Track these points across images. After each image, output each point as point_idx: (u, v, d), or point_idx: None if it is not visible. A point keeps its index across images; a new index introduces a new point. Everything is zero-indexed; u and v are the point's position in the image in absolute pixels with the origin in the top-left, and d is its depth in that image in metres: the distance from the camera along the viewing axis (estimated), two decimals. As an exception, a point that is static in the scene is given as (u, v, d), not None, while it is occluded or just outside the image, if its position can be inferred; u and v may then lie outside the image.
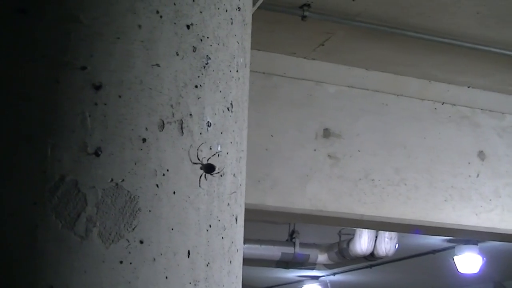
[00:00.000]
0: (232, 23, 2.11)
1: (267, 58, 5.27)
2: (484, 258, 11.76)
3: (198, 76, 1.98)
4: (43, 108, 1.86)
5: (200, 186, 1.95)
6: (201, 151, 1.96)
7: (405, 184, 5.46)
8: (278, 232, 11.30)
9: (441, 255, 12.80)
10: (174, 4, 1.97)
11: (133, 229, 1.83)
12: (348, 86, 5.49)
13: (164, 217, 1.87)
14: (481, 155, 5.77)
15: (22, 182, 1.83)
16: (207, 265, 1.95)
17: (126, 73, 1.88)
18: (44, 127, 1.85)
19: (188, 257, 1.90)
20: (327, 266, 12.23)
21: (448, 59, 5.36)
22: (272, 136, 5.16)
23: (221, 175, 2.02)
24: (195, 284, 1.91)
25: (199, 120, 1.97)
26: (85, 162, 1.83)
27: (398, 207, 5.41)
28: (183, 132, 1.93)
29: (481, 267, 11.91)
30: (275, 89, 5.27)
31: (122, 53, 1.88)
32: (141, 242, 1.84)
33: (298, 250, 11.23)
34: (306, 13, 4.59)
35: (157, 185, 1.87)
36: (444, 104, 5.75)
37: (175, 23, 1.96)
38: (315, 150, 5.25)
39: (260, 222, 10.38)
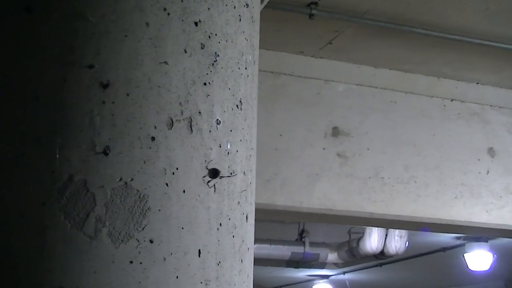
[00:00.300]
0: (240, 20, 2.09)
1: (275, 57, 5.26)
2: (495, 255, 11.74)
3: (207, 74, 1.96)
4: (50, 107, 1.84)
5: (209, 184, 1.93)
6: (210, 149, 1.94)
7: (415, 182, 5.44)
8: (288, 231, 11.29)
9: (452, 252, 12.78)
10: (182, 1, 1.95)
11: (143, 228, 1.81)
12: (357, 84, 5.48)
13: (174, 216, 1.85)
14: (491, 151, 5.75)
15: (30, 183, 1.82)
16: (218, 264, 1.93)
17: (134, 71, 1.86)
18: (52, 126, 1.83)
19: (199, 256, 1.88)
20: (337, 265, 12.22)
21: (456, 55, 5.34)
22: (281, 135, 5.15)
23: (230, 174, 2.00)
24: (206, 284, 1.89)
25: (208, 118, 1.95)
26: (94, 161, 1.81)
27: (408, 204, 5.39)
28: (192, 130, 1.91)
29: (491, 264, 11.89)
30: (283, 88, 5.26)
31: (129, 51, 1.87)
32: (151, 241, 1.82)
33: (308, 249, 11.21)
34: (314, 11, 4.57)
35: (166, 184, 1.85)
36: (453, 101, 5.73)
37: (182, 20, 1.94)
38: (324, 149, 5.24)
39: (269, 221, 10.37)
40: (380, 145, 5.38)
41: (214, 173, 1.94)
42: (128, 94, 1.85)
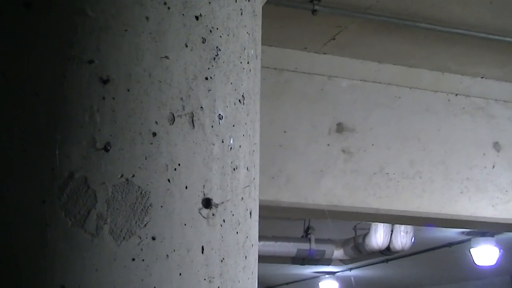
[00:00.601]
0: (242, 14, 2.07)
1: (278, 53, 5.25)
2: (501, 250, 11.73)
3: (208, 68, 1.94)
4: (50, 104, 1.82)
5: (212, 180, 1.91)
6: (213, 144, 1.91)
7: (420, 177, 5.43)
8: (294, 228, 11.29)
9: (458, 248, 12.78)
10: (182, -5, 1.93)
11: (145, 225, 1.79)
12: (361, 80, 5.47)
13: (177, 213, 1.83)
14: (497, 146, 5.73)
15: (30, 180, 1.80)
16: (221, 260, 1.90)
17: (135, 66, 1.84)
18: (51, 122, 1.81)
19: (202, 253, 1.86)
20: (343, 262, 12.22)
21: (461, 50, 5.32)
22: (285, 132, 5.15)
23: (235, 170, 1.98)
24: (210, 281, 1.87)
25: (210, 113, 1.93)
26: (94, 158, 1.79)
27: (414, 200, 5.38)
28: (194, 126, 1.89)
29: (498, 259, 11.88)
30: (287, 84, 5.25)
31: (130, 45, 1.84)
32: (153, 238, 1.80)
33: (314, 246, 11.21)
34: (316, 7, 4.56)
35: (168, 180, 1.83)
36: (457, 95, 5.71)
37: (183, 14, 1.92)
38: (328, 145, 5.23)
39: (275, 218, 10.37)
40: (385, 141, 5.37)
41: (207, 203, 1.92)
42: (128, 90, 1.83)
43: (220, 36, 1.99)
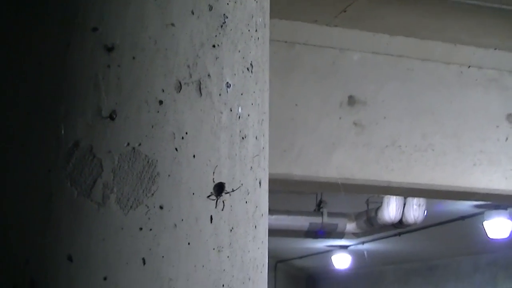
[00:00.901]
0: (249, -19, 2.04)
1: (288, 26, 5.20)
2: (514, 223, 11.71)
3: (216, 36, 1.91)
4: (54, 72, 1.80)
5: (220, 149, 1.89)
6: (221, 113, 1.89)
7: (433, 150, 5.39)
8: (306, 202, 11.29)
9: (470, 221, 12.77)
10: (188, -39, 1.90)
11: (152, 194, 1.77)
12: (372, 53, 5.42)
13: (184, 182, 1.81)
14: (510, 118, 5.68)
15: (35, 150, 1.78)
16: (230, 230, 1.89)
17: (140, 33, 1.82)
18: (56, 91, 1.80)
19: (211, 222, 1.84)
20: (355, 235, 12.23)
21: (473, 21, 5.26)
22: (296, 105, 5.11)
23: (244, 139, 1.96)
24: (219, 250, 1.85)
25: (218, 81, 1.90)
26: (100, 126, 1.77)
27: (426, 173, 5.35)
28: (201, 94, 1.87)
29: (511, 232, 11.86)
30: (298, 58, 5.21)
31: (135, 13, 1.82)
32: (161, 207, 1.78)
33: (326, 219, 11.22)
34: (327, -22, 4.51)
35: (176, 149, 1.81)
36: (470, 67, 5.65)
37: (189, -19, 1.89)
38: (340, 118, 5.19)
39: (287, 193, 10.37)
40: (397, 114, 5.33)
41: (219, 189, 1.89)
42: (134, 58, 1.81)
43: (227, 4, 1.96)
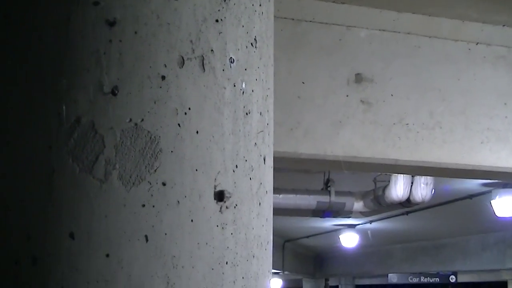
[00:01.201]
0: (253, -46, 2.01)
1: (295, 3, 5.17)
2: (523, 202, 11.70)
3: (219, 10, 1.89)
4: (55, 48, 1.78)
5: (224, 124, 1.86)
6: (224, 88, 1.87)
7: (440, 128, 5.36)
8: (313, 181, 11.29)
9: (478, 199, 12.76)
10: None
11: (155, 170, 1.76)
12: (379, 30, 5.38)
13: (188, 158, 1.79)
14: (518, 95, 5.65)
15: (36, 126, 1.76)
16: (234, 207, 1.87)
17: (142, 8, 1.79)
18: (57, 67, 1.77)
19: (214, 199, 1.83)
20: (363, 214, 12.23)
21: (482, -3, 5.22)
22: (303, 83, 5.08)
23: (248, 115, 1.93)
24: (222, 227, 1.84)
25: (221, 56, 1.88)
26: (102, 102, 1.75)
27: (434, 151, 5.32)
28: (204, 69, 1.84)
29: (519, 210, 11.85)
30: (304, 35, 5.18)
31: (136, -14, 1.80)
32: (164, 184, 1.76)
33: (334, 198, 11.22)
34: (334, -46, 4.47)
35: (178, 125, 1.79)
36: (478, 44, 5.61)
37: (192, -46, 1.86)
38: (347, 96, 5.16)
39: (295, 171, 10.36)
40: (404, 91, 5.30)
41: (220, 196, 1.87)
42: (136, 32, 1.79)
43: (231, -22, 1.93)
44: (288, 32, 5.09)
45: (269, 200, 2.03)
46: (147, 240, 1.73)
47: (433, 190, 10.55)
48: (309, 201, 11.20)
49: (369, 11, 5.35)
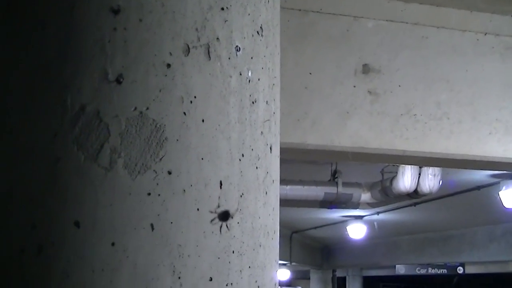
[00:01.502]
0: None
1: (302, -6, 5.16)
2: (531, 193, 11.68)
3: (224, -2, 1.88)
4: (59, 35, 1.77)
5: (230, 113, 1.85)
6: (230, 77, 1.85)
7: (448, 118, 5.34)
8: (321, 172, 11.29)
9: (486, 190, 12.75)
10: None
11: (160, 159, 1.75)
12: (387, 20, 5.36)
13: (193, 147, 1.78)
14: (527, 86, 5.62)
15: (40, 114, 1.76)
16: (241, 196, 1.86)
17: (147, -5, 1.79)
18: (61, 55, 1.76)
19: (220, 188, 1.82)
20: (370, 205, 12.22)
21: (490, -13, 5.20)
22: (310, 74, 5.07)
23: (254, 104, 1.93)
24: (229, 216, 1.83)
25: (227, 44, 1.86)
26: (106, 90, 1.74)
27: (441, 141, 5.31)
28: (210, 57, 1.83)
29: (527, 202, 11.84)
30: (312, 26, 5.16)
31: (141, -26, 1.79)
32: (169, 173, 1.75)
33: (341, 189, 11.22)
34: None
35: (184, 113, 1.78)
36: (486, 35, 5.59)
37: None
38: (354, 86, 5.15)
39: (302, 163, 10.36)
40: (412, 82, 5.28)
41: (224, 216, 1.86)
42: (141, 20, 1.78)
43: (237, -35, 1.92)
44: (295, 23, 5.07)
45: (275, 189, 2.02)
46: (152, 229, 1.73)
47: (440, 181, 10.54)
48: (317, 192, 11.20)
49: (377, 2, 5.34)
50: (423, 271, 24.01)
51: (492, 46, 5.57)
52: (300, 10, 5.16)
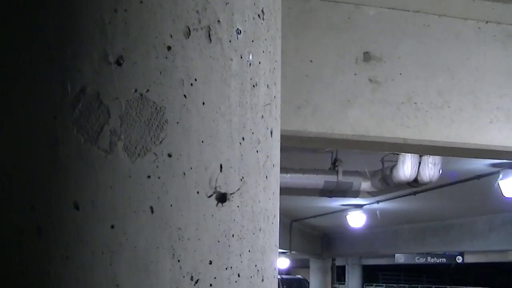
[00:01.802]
0: None
1: (303, -19, 5.14)
2: (531, 182, 11.68)
3: (226, -20, 1.87)
4: (59, 16, 1.76)
5: (231, 96, 1.84)
6: (231, 60, 1.84)
7: (449, 107, 5.33)
8: (321, 160, 11.29)
9: (486, 180, 12.75)
10: None
11: (161, 142, 1.74)
12: (388, 8, 5.34)
13: (194, 129, 1.77)
14: (528, 74, 5.61)
15: (40, 95, 1.75)
16: (241, 179, 1.85)
17: (147, -23, 1.77)
18: (61, 36, 1.75)
19: (221, 171, 1.81)
20: (370, 194, 12.23)
21: (492, -26, 5.18)
22: (311, 61, 5.06)
23: (255, 87, 1.92)
24: (229, 199, 1.82)
25: (228, 27, 1.85)
26: (107, 72, 1.73)
27: (442, 130, 5.29)
28: (211, 40, 1.82)
29: (527, 191, 11.84)
30: (313, 13, 5.14)
31: (142, -45, 1.77)
32: (169, 155, 1.74)
33: (341, 178, 11.22)
34: None
35: (184, 96, 1.77)
36: (488, 23, 5.57)
37: None
38: (355, 74, 5.14)
39: (302, 151, 10.35)
40: (413, 70, 5.27)
41: (222, 197, 1.85)
42: (141, 2, 1.76)
43: None
44: (296, 10, 5.06)
45: (276, 173, 2.01)
46: (152, 212, 1.72)
47: (440, 170, 10.54)
48: (317, 180, 11.20)
49: (378, -11, 5.32)
50: (422, 260, 24.06)
51: (493, 34, 5.56)
52: (301, -3, 5.15)
